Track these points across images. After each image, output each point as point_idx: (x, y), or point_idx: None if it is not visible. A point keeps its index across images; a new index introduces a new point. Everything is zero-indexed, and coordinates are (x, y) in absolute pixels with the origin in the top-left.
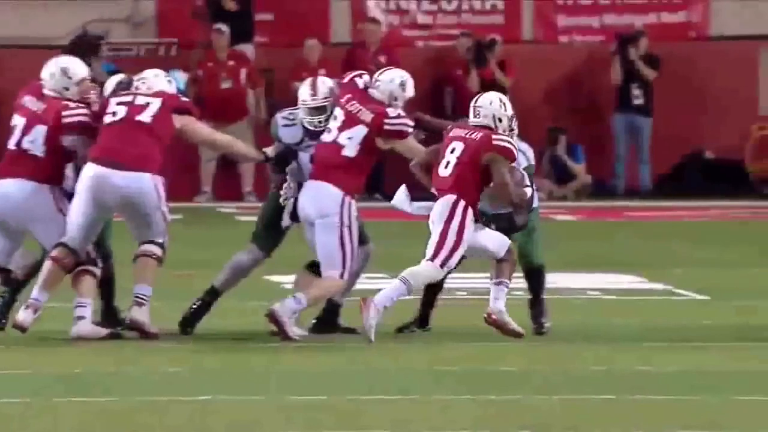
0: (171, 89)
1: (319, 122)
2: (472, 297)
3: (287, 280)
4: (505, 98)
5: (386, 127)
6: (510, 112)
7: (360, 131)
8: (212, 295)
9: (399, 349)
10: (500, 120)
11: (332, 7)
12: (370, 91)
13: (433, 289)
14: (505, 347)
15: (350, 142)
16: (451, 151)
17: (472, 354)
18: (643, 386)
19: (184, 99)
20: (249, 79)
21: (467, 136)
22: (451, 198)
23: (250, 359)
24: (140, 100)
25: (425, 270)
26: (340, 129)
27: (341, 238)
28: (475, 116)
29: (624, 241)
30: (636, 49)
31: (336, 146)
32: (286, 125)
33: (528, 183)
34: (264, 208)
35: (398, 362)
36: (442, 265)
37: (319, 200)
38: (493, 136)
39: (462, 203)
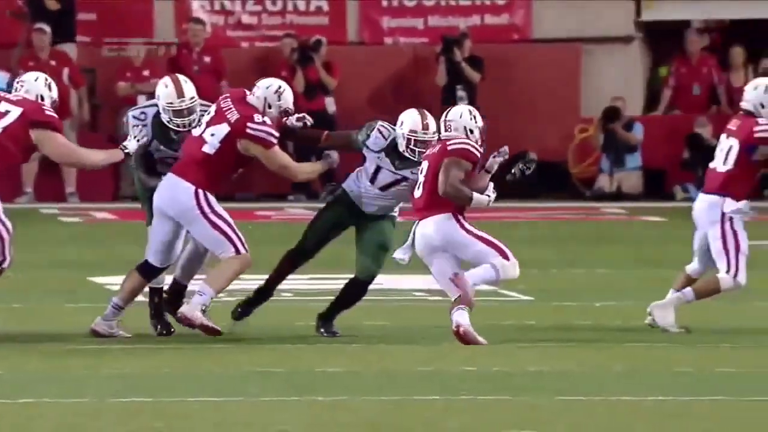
0: (50, 95)
1: (185, 124)
2: (297, 298)
3: (111, 281)
4: (474, 110)
5: (248, 131)
6: (480, 123)
7: (222, 130)
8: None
9: (224, 351)
10: (471, 131)
11: (156, 7)
12: (248, 97)
13: (272, 287)
14: (330, 348)
15: (212, 139)
16: (421, 171)
17: (298, 355)
18: (470, 387)
19: (49, 113)
20: (71, 79)
21: (431, 153)
22: (445, 215)
23: (73, 361)
24: (2, 107)
25: (512, 267)
26: (208, 124)
27: (211, 222)
28: (446, 130)
29: None
30: (460, 50)
31: (200, 140)
32: (138, 123)
33: (489, 194)
34: (138, 191)
35: (224, 364)
36: (508, 258)
37: (173, 198)
38: (448, 142)
39: (458, 215)
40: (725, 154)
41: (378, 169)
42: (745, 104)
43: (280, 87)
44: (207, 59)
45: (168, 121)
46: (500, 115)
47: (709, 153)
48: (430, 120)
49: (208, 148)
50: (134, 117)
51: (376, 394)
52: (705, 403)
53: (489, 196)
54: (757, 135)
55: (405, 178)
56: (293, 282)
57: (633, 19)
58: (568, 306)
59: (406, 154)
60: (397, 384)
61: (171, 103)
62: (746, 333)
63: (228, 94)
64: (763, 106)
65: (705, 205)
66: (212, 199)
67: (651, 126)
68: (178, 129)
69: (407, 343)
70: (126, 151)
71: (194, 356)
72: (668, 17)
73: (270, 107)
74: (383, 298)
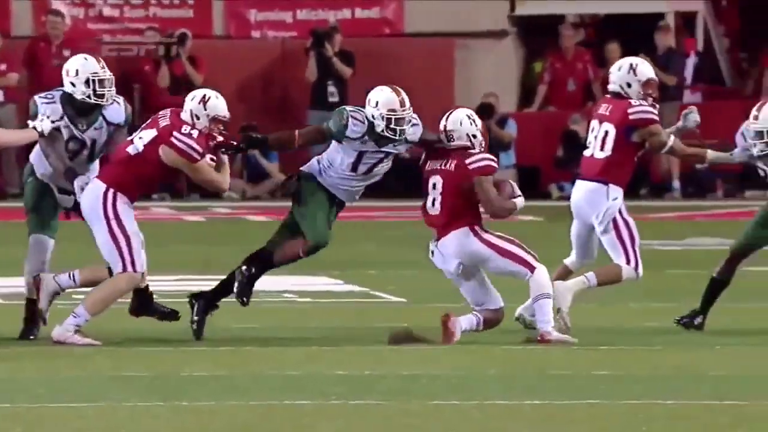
0: None
1: (107, 95)
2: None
3: None
4: (472, 113)
5: (172, 139)
6: (479, 123)
7: (150, 134)
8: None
9: (85, 355)
10: (474, 136)
11: None
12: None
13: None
14: (196, 351)
15: (139, 142)
16: (433, 187)
17: (162, 359)
18: (341, 391)
19: None
20: None
21: (442, 167)
22: (462, 230)
23: None
24: None
25: (541, 274)
26: (142, 129)
27: (110, 232)
28: (449, 140)
29: None
30: (331, 45)
31: (129, 143)
32: (46, 102)
33: (519, 193)
34: (26, 197)
35: (84, 368)
36: (533, 268)
37: (86, 196)
38: (467, 161)
39: (476, 227)
40: (601, 140)
41: (360, 155)
42: (611, 86)
43: (204, 95)
44: (67, 53)
45: (89, 96)
46: None
47: (584, 150)
48: (404, 95)
49: (132, 149)
50: (41, 97)
51: (244, 399)
52: (581, 407)
53: (521, 194)
54: (632, 117)
55: (388, 154)
56: (158, 283)
57: (507, 14)
58: (441, 308)
59: (387, 134)
60: (266, 388)
61: (96, 73)
62: (621, 335)
63: (172, 108)
64: (629, 86)
65: (584, 193)
66: (121, 205)
67: (525, 123)
68: (99, 102)
69: (277, 345)
70: (39, 130)
71: (54, 360)
72: (542, 12)
73: (198, 118)
74: (252, 300)
